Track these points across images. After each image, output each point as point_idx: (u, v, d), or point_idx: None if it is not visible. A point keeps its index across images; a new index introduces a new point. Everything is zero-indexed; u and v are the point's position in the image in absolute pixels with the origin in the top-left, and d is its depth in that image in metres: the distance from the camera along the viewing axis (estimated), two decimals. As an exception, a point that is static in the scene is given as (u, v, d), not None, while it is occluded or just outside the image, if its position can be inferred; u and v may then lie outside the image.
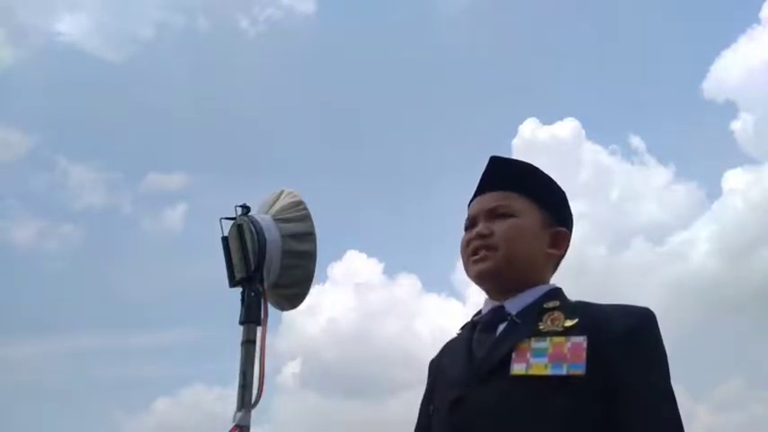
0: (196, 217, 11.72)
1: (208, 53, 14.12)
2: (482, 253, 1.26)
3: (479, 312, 1.32)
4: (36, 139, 12.83)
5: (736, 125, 12.63)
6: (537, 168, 1.36)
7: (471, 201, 1.35)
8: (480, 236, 1.26)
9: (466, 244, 1.30)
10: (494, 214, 1.28)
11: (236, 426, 1.73)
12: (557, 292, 1.26)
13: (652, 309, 1.18)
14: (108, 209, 13.26)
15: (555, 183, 1.37)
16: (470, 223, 1.31)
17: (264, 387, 1.77)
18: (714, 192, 14.93)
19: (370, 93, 15.08)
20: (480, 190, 1.34)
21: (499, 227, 1.26)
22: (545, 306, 1.22)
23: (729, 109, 13.06)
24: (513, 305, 1.24)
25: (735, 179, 12.88)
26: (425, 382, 1.39)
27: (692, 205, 13.62)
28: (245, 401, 1.76)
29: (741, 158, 15.44)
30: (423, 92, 14.53)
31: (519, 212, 1.28)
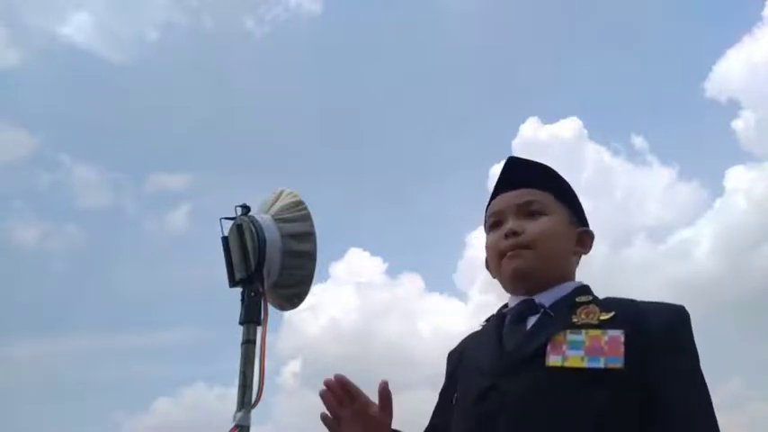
0: (199, 217, 11.70)
1: (212, 53, 14.10)
2: (516, 251, 1.23)
3: (506, 306, 1.29)
4: (40, 139, 12.82)
5: (738, 123, 12.59)
6: (555, 169, 1.36)
7: (492, 199, 1.32)
8: (513, 233, 1.24)
9: (496, 242, 1.27)
10: (524, 210, 1.26)
11: (236, 425, 1.73)
12: (586, 288, 1.25)
13: None
14: (111, 209, 13.24)
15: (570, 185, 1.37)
16: (496, 220, 1.29)
17: (264, 387, 1.78)
18: (716, 190, 14.91)
19: (373, 92, 15.05)
20: (504, 187, 1.31)
21: (532, 225, 1.24)
22: (577, 300, 1.20)
23: (731, 107, 13.01)
24: (545, 299, 1.22)
25: (737, 177, 12.83)
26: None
27: (695, 204, 13.57)
28: (245, 401, 1.76)
29: (743, 156, 15.40)
30: (425, 91, 14.48)
31: (550, 210, 1.27)
